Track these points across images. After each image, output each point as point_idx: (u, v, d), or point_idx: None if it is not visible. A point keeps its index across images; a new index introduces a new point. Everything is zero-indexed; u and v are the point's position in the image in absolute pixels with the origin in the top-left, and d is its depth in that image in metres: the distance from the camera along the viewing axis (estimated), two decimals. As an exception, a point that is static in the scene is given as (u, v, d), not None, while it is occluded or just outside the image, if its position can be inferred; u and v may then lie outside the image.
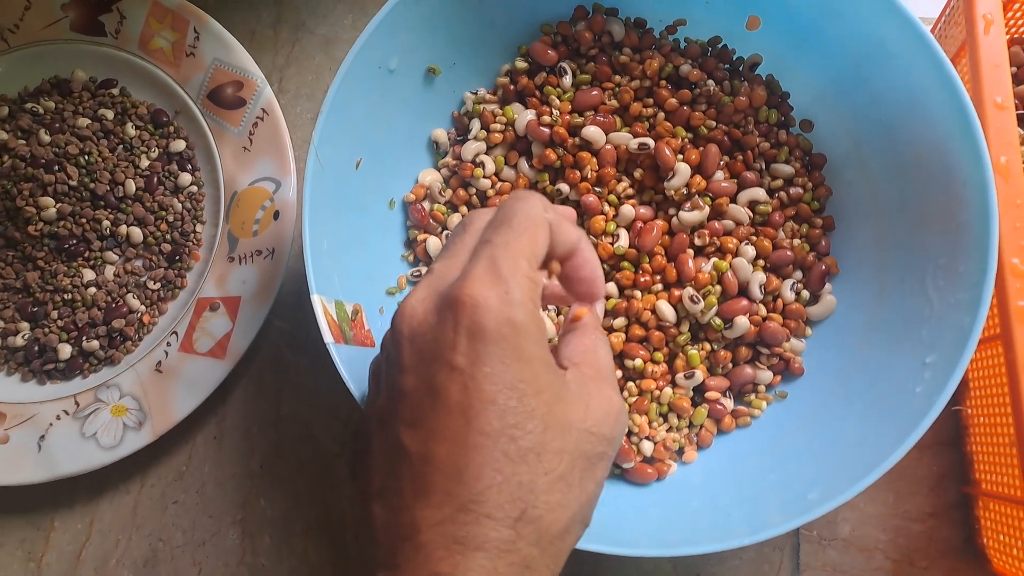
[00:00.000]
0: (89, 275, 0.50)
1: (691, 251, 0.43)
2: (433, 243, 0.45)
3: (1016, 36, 0.50)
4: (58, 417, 0.48)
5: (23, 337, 0.49)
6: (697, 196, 0.42)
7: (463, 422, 0.27)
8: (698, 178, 0.42)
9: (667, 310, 0.42)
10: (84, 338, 0.48)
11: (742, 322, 0.42)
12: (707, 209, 0.42)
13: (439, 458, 0.27)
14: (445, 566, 0.26)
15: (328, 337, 0.38)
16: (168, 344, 0.48)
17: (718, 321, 0.42)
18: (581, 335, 0.32)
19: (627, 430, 0.42)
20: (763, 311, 0.43)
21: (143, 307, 0.50)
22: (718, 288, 0.42)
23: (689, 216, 0.42)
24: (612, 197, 0.43)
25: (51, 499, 0.49)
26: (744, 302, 0.42)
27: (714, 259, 0.42)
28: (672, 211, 0.43)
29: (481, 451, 0.26)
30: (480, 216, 0.31)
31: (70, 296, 0.49)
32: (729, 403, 0.43)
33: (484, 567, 0.26)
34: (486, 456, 0.26)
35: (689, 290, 0.42)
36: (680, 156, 0.43)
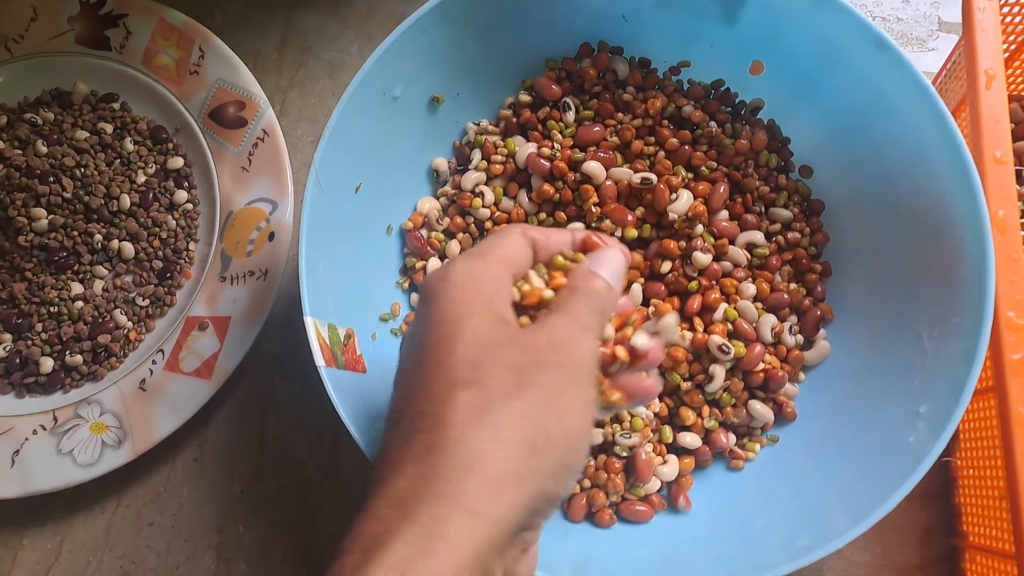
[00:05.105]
0: (77, 289, 0.49)
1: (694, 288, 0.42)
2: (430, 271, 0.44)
3: (1015, 92, 0.51)
4: (35, 432, 0.47)
5: (4, 348, 0.48)
6: (701, 235, 0.42)
7: None
8: (699, 203, 0.42)
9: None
10: (68, 352, 0.48)
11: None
12: (712, 251, 0.42)
13: None
14: None
15: (319, 360, 0.37)
16: (153, 362, 0.47)
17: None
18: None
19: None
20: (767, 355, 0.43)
21: (130, 323, 0.49)
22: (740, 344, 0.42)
23: (701, 258, 0.42)
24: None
25: (22, 516, 0.48)
26: (759, 348, 0.42)
27: (724, 306, 0.42)
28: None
29: None
30: None
31: (56, 309, 0.48)
32: (731, 438, 0.42)
33: None
34: None
35: (716, 338, 0.41)
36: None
